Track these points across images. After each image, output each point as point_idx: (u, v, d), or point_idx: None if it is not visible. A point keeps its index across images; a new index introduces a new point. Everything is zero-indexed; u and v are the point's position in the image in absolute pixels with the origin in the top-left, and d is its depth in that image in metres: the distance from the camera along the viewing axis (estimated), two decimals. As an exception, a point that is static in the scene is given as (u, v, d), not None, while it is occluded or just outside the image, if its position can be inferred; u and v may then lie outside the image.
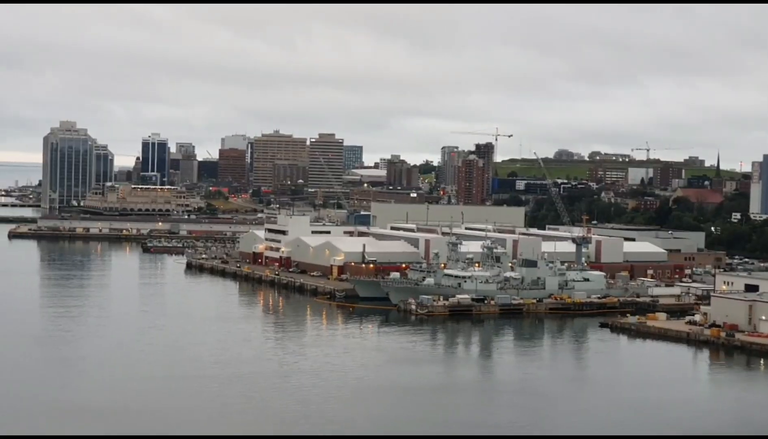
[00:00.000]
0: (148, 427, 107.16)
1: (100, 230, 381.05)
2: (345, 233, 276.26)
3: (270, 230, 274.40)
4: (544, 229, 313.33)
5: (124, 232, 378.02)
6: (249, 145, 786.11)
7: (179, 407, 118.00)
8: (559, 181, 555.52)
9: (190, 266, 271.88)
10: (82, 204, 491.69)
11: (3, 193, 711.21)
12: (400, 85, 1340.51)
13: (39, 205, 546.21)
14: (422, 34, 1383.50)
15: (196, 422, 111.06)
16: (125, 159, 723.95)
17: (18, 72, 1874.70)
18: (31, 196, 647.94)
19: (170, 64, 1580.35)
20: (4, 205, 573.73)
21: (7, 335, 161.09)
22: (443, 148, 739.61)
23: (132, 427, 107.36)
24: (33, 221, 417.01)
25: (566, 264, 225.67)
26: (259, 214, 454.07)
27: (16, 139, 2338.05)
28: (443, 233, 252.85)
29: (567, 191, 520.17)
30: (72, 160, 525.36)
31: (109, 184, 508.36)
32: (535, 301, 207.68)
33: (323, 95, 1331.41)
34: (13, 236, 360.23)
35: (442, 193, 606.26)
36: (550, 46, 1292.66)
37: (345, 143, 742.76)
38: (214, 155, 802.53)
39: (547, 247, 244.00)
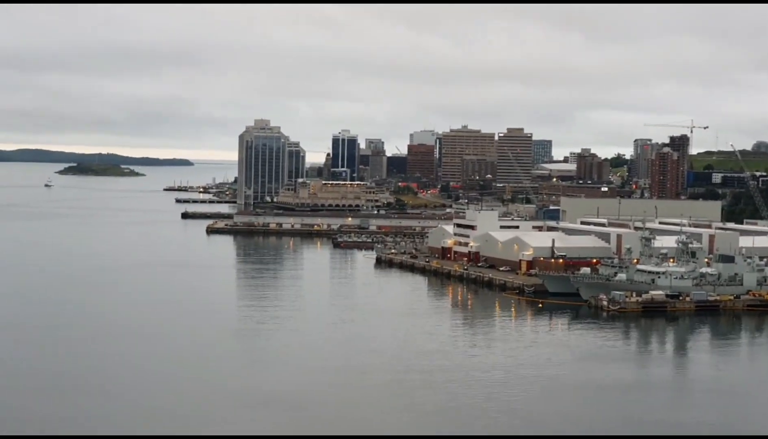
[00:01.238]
0: (334, 421, 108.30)
1: (293, 226, 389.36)
2: (534, 227, 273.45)
3: (459, 225, 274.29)
4: (741, 223, 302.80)
5: (315, 227, 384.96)
6: (437, 141, 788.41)
7: (365, 401, 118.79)
8: (758, 173, 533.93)
9: (379, 261, 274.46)
10: (275, 200, 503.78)
11: (201, 190, 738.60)
12: (579, 78, 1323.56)
13: (235, 202, 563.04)
14: (597, 27, 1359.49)
15: (380, 415, 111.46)
16: (316, 155, 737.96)
17: (204, 73, 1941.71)
18: (227, 192, 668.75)
19: (350, 62, 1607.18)
20: (203, 201, 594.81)
21: (206, 327, 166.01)
22: (636, 140, 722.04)
23: (318, 420, 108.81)
24: (229, 216, 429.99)
25: (765, 259, 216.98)
26: (448, 210, 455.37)
27: (212, 138, 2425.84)
28: (636, 228, 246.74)
29: (766, 184, 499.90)
30: (266, 157, 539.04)
31: (300, 180, 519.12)
32: (732, 297, 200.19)
33: (503, 90, 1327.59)
34: (210, 231, 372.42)
35: (634, 187, 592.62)
36: (731, 36, 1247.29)
37: (534, 138, 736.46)
38: (403, 151, 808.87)
39: (744, 242, 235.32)
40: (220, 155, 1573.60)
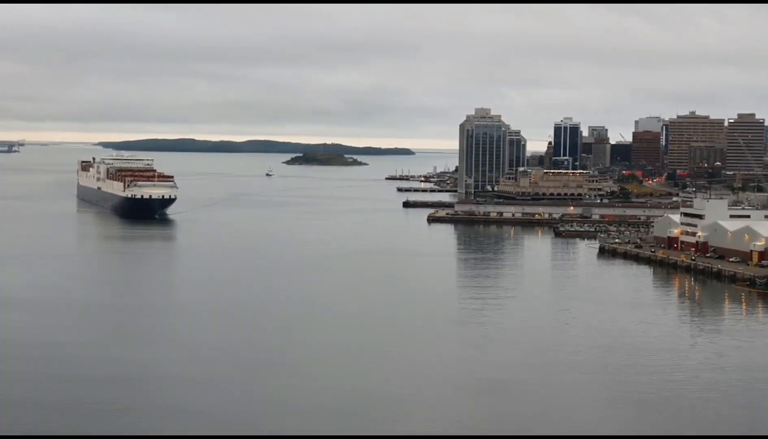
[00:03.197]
0: (540, 413, 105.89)
1: (513, 215, 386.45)
2: (766, 216, 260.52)
3: (685, 214, 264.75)
4: None
5: (537, 216, 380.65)
6: (663, 128, 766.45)
7: (573, 393, 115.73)
8: None
9: (602, 251, 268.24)
10: (495, 189, 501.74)
11: (422, 179, 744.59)
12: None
13: (455, 191, 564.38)
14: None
15: (588, 407, 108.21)
16: (537, 144, 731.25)
17: (411, 62, 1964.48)
18: (448, 181, 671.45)
19: (553, 48, 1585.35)
20: (424, 190, 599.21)
21: (425, 315, 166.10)
22: None
23: (526, 408, 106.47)
24: (450, 205, 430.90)
25: None
26: (674, 198, 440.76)
27: (427, 127, 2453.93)
28: None
29: None
30: (486, 146, 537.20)
31: (521, 169, 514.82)
32: None
33: (716, 73, 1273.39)
34: (431, 220, 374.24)
35: None
36: None
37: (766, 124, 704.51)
38: (628, 138, 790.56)
39: None
40: (439, 144, 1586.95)
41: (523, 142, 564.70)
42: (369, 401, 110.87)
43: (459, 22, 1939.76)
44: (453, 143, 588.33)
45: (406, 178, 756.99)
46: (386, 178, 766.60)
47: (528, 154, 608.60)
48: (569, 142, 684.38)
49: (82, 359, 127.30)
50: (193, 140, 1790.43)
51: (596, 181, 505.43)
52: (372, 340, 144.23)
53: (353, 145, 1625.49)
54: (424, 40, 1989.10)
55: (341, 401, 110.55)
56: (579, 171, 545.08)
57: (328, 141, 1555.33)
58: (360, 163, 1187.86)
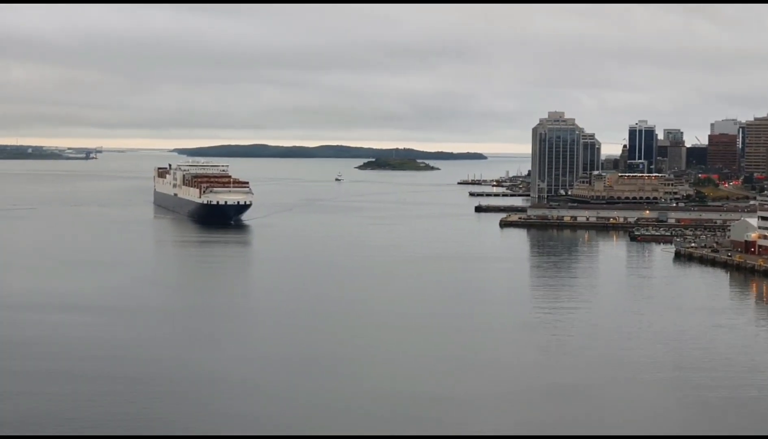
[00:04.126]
0: (610, 416, 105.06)
1: (587, 219, 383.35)
2: None
3: (763, 218, 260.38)
4: None
5: (611, 220, 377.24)
6: (740, 130, 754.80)
7: (644, 397, 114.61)
8: None
9: (678, 255, 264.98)
10: (569, 193, 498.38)
11: (494, 183, 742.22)
12: None
13: (528, 195, 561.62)
14: None
15: (656, 411, 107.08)
16: (609, 147, 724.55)
17: (478, 65, 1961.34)
18: (520, 186, 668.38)
19: (618, 50, 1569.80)
20: (496, 195, 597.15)
21: (497, 320, 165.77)
22: None
23: (599, 413, 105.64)
24: (522, 210, 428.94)
25: None
26: (751, 202, 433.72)
27: (500, 131, 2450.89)
28: None
29: None
30: (560, 149, 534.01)
31: (595, 172, 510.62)
32: None
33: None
34: (504, 224, 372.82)
35: None
36: None
37: None
38: (703, 141, 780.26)
39: None
40: (511, 148, 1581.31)
41: (597, 146, 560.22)
42: (438, 404, 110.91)
43: (523, 24, 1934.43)
44: (524, 147, 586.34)
45: (479, 183, 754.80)
46: (458, 183, 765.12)
47: (602, 157, 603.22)
48: (644, 146, 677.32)
49: (147, 361, 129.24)
50: (265, 146, 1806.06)
51: (672, 184, 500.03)
52: (443, 344, 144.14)
53: (425, 150, 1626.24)
54: (489, 44, 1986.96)
55: (412, 404, 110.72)
56: (654, 174, 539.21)
57: (400, 146, 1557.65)
58: (432, 168, 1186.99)
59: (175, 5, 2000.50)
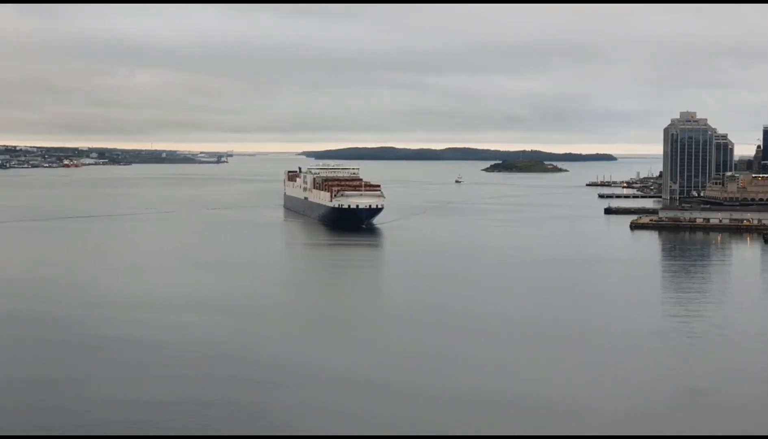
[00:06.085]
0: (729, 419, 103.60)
1: (720, 221, 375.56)
2: None
3: None
4: None
5: (745, 222, 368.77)
6: None
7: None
8: None
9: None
10: (701, 194, 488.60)
11: (624, 185, 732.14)
12: None
13: (659, 197, 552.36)
14: None
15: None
16: (742, 148, 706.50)
17: (593, 65, 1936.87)
18: (652, 187, 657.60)
19: (736, 49, 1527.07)
20: (626, 196, 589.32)
21: (626, 323, 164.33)
22: None
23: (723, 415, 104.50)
24: (653, 212, 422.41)
25: None
26: None
27: (627, 131, 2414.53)
28: None
29: None
30: (692, 150, 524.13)
31: (728, 174, 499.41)
32: None
33: None
34: (634, 226, 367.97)
35: None
36: None
37: None
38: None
39: None
40: (639, 149, 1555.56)
41: (730, 146, 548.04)
42: (562, 408, 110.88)
43: (635, 23, 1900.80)
44: (653, 148, 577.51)
45: (608, 185, 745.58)
46: (587, 185, 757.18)
47: (737, 158, 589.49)
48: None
49: (271, 362, 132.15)
50: (393, 148, 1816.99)
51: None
52: (571, 348, 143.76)
53: (552, 152, 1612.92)
54: (603, 43, 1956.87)
55: (537, 408, 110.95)
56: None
57: (527, 148, 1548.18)
58: (560, 170, 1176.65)
59: (279, 5, 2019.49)
